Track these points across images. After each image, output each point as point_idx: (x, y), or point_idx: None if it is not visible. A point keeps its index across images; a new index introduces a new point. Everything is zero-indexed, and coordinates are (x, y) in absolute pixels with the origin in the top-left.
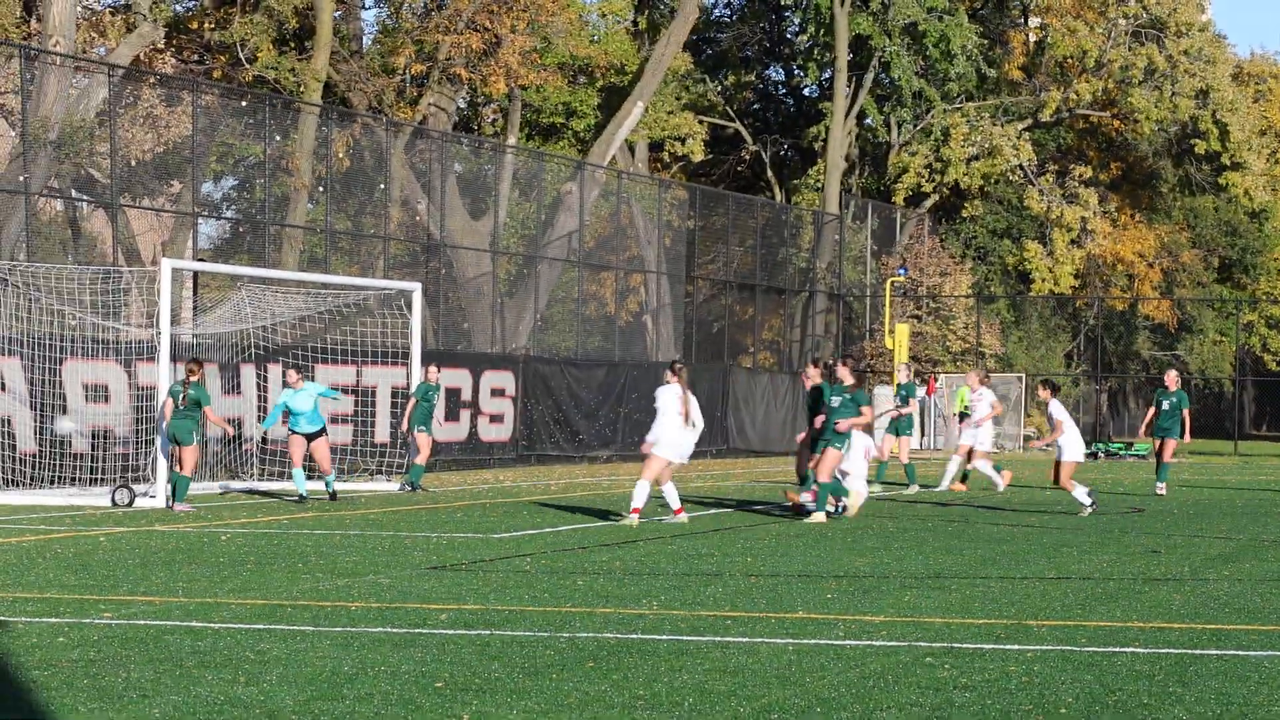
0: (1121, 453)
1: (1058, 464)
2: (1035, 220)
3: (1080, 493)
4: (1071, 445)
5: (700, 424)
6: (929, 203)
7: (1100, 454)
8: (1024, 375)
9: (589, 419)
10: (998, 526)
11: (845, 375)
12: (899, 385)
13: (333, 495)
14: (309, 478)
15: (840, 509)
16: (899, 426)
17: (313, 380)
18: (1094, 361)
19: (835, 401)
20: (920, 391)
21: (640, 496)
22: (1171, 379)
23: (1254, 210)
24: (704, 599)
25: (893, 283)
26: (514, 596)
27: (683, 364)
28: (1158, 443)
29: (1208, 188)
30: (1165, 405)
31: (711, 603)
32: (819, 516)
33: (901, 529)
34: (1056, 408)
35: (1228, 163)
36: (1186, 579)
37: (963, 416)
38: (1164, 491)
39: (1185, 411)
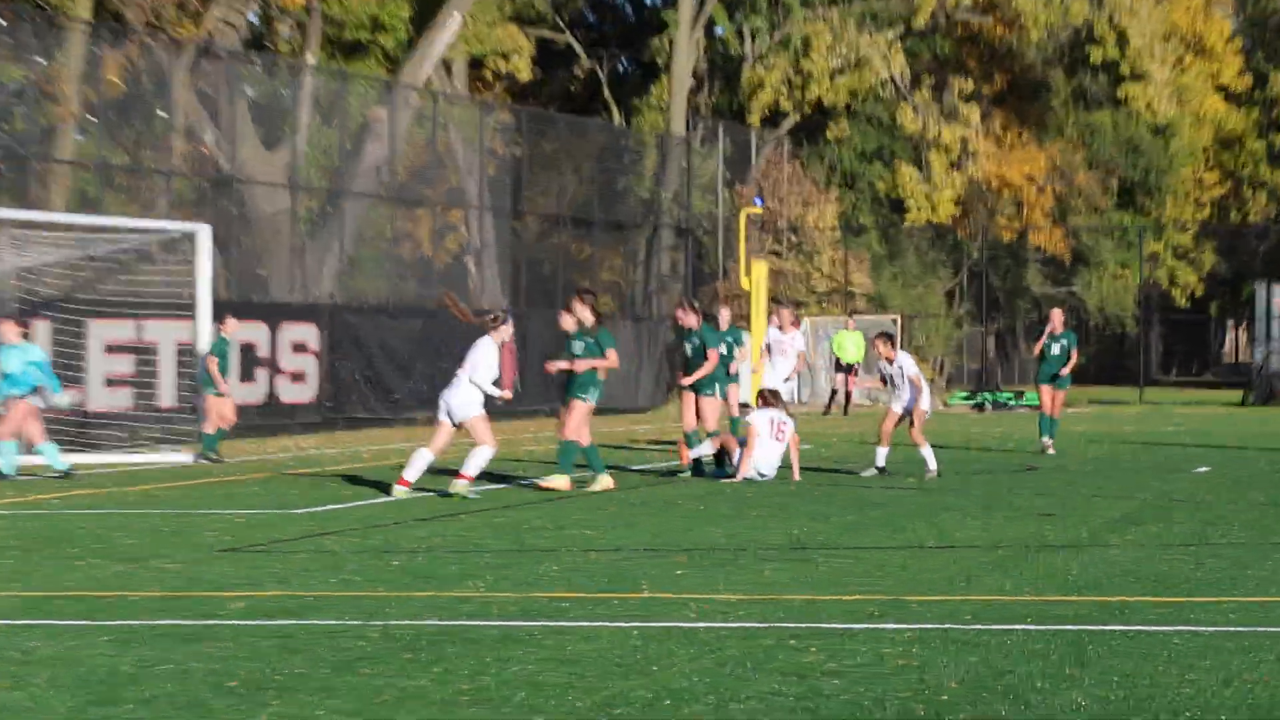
0: (1011, 403)
1: (906, 415)
2: (909, 141)
3: (929, 452)
4: (927, 395)
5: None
6: (788, 123)
7: (987, 405)
8: (899, 317)
9: (404, 376)
10: (869, 489)
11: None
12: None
13: (66, 474)
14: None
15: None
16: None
17: (34, 344)
18: (979, 300)
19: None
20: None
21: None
22: (1057, 318)
23: (1157, 125)
24: (537, 578)
25: (748, 214)
26: (319, 581)
27: (503, 315)
28: (1045, 393)
29: (1105, 101)
30: (1055, 350)
31: (545, 583)
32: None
33: (760, 494)
34: (909, 363)
35: (1127, 72)
36: (1084, 545)
37: (848, 367)
38: (1052, 449)
39: (1073, 352)
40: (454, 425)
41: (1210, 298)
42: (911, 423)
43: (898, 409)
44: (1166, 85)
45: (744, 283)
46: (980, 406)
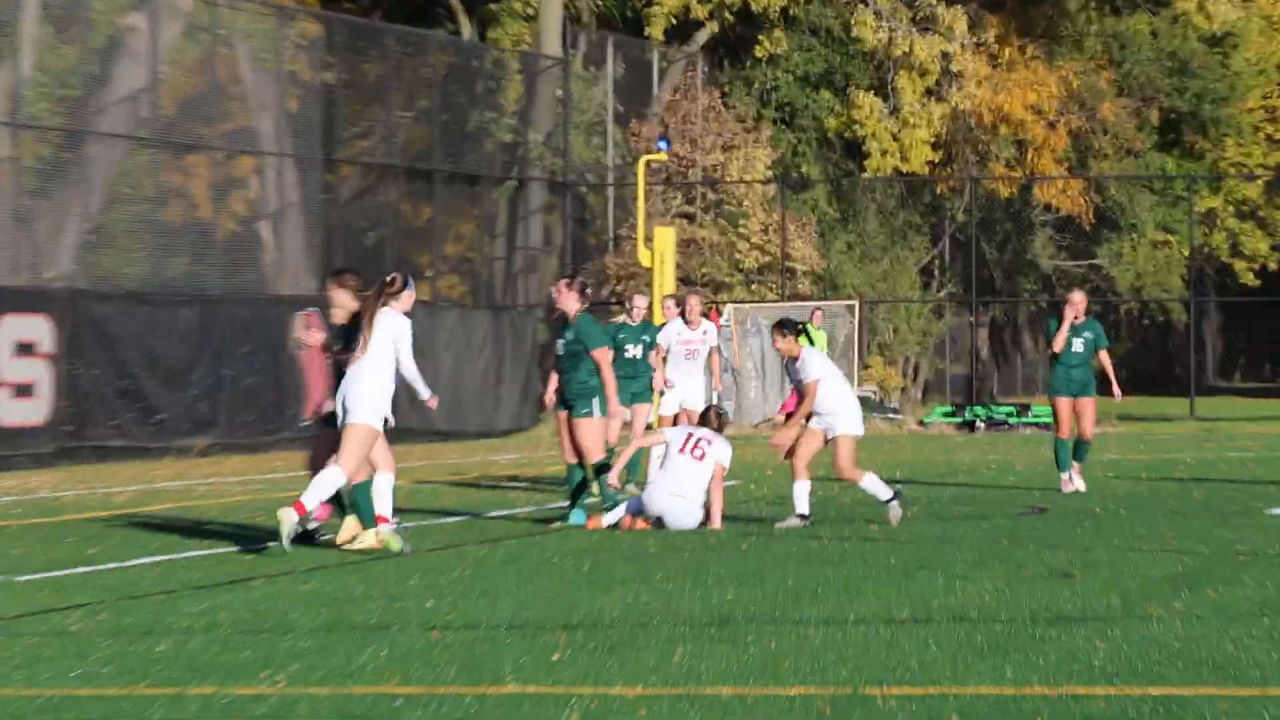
0: (1012, 421)
1: (826, 444)
2: (870, 60)
3: (874, 484)
4: (848, 415)
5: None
6: (703, 37)
7: (979, 424)
8: (858, 303)
9: (174, 388)
10: (820, 541)
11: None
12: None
13: None
14: None
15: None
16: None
17: None
18: (966, 280)
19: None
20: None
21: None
22: (1078, 302)
23: (1214, 33)
24: (359, 668)
25: (649, 163)
26: (55, 673)
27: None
28: (1064, 407)
29: (1141, 1)
30: (1077, 346)
31: (371, 673)
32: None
33: (669, 546)
34: (815, 361)
35: None
36: (1115, 617)
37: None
38: (1079, 485)
39: (1102, 354)
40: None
41: None
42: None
43: (818, 429)
44: None
45: (643, 256)
46: (970, 426)
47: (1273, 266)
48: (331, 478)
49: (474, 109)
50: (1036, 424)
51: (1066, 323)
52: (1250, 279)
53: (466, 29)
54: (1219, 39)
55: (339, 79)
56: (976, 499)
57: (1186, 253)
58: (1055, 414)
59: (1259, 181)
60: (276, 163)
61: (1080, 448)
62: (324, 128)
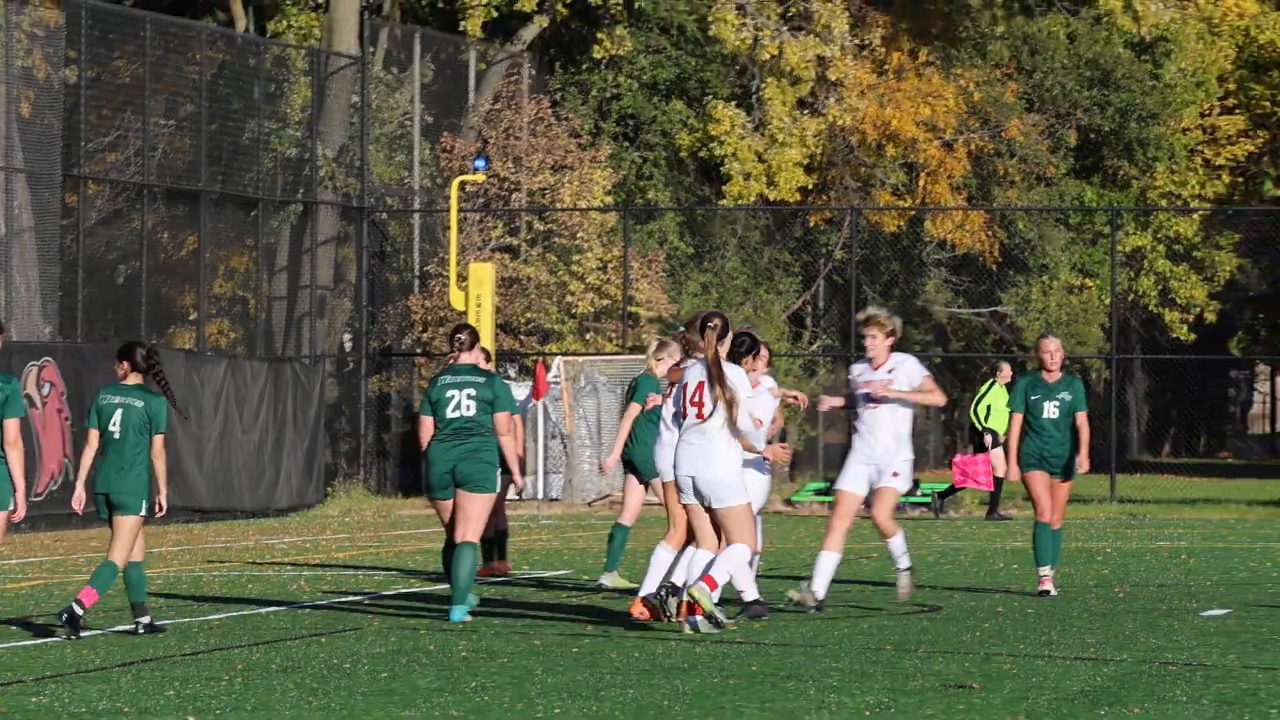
0: (904, 501)
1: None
2: (731, 65)
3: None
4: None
5: None
6: (531, 33)
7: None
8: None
9: None
10: (666, 643)
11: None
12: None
13: None
14: None
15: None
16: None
17: None
18: (845, 331)
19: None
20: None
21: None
22: (1051, 352)
23: (1143, 40)
24: None
25: (464, 186)
26: None
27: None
28: (1039, 483)
29: (1056, 1)
30: (1049, 409)
31: None
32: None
33: (483, 651)
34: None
35: None
36: None
37: (987, 437)
38: (1050, 587)
39: (1080, 418)
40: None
41: (1228, 327)
42: None
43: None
44: None
45: (455, 298)
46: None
47: (1210, 318)
48: (109, 570)
49: (250, 117)
50: (925, 504)
51: (1030, 378)
52: (1183, 332)
53: (241, 20)
54: (1149, 45)
55: (83, 78)
56: (855, 595)
57: (1108, 300)
58: (1030, 493)
59: (1195, 216)
60: (3, 180)
61: (1055, 540)
62: (64, 138)
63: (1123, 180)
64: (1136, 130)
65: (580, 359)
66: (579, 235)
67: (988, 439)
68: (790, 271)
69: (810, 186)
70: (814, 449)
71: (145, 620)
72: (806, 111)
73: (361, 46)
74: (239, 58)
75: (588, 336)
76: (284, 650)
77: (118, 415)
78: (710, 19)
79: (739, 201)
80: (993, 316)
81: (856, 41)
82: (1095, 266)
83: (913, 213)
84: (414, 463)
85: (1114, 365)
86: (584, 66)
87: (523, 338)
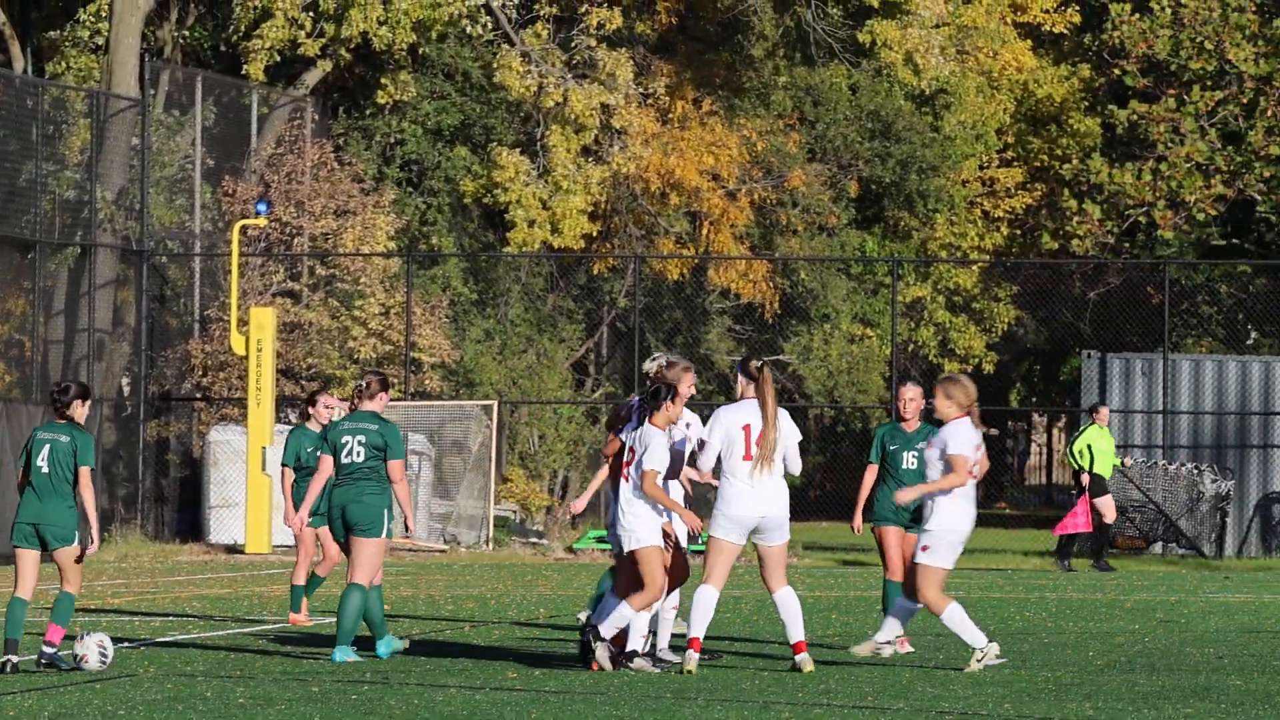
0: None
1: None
2: (516, 112)
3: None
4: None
5: None
6: (314, 77)
7: None
8: (496, 404)
9: None
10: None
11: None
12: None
13: None
14: None
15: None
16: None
17: None
18: (629, 379)
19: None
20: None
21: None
22: (907, 400)
23: (923, 93)
24: None
25: (245, 230)
26: None
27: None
28: (892, 538)
29: (838, 50)
30: (907, 459)
31: None
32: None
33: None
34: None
35: (875, 2)
36: None
37: (1092, 480)
38: (905, 642)
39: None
40: None
41: (1007, 377)
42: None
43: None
44: (940, 24)
45: (236, 342)
46: None
47: (988, 369)
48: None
49: (28, 158)
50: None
51: (888, 427)
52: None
53: (20, 60)
54: (929, 98)
55: None
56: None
57: (888, 350)
58: (881, 548)
59: (974, 268)
60: None
61: (913, 597)
62: None
63: (903, 231)
64: (917, 182)
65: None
66: (361, 280)
67: (1085, 479)
68: (574, 319)
69: (594, 234)
70: (596, 496)
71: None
72: (591, 159)
73: (142, 89)
74: (17, 99)
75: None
76: (57, 697)
77: None
78: (495, 66)
79: (523, 248)
80: (775, 365)
81: (641, 90)
82: (876, 316)
83: (696, 261)
84: (193, 508)
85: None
86: (368, 112)
87: (304, 383)
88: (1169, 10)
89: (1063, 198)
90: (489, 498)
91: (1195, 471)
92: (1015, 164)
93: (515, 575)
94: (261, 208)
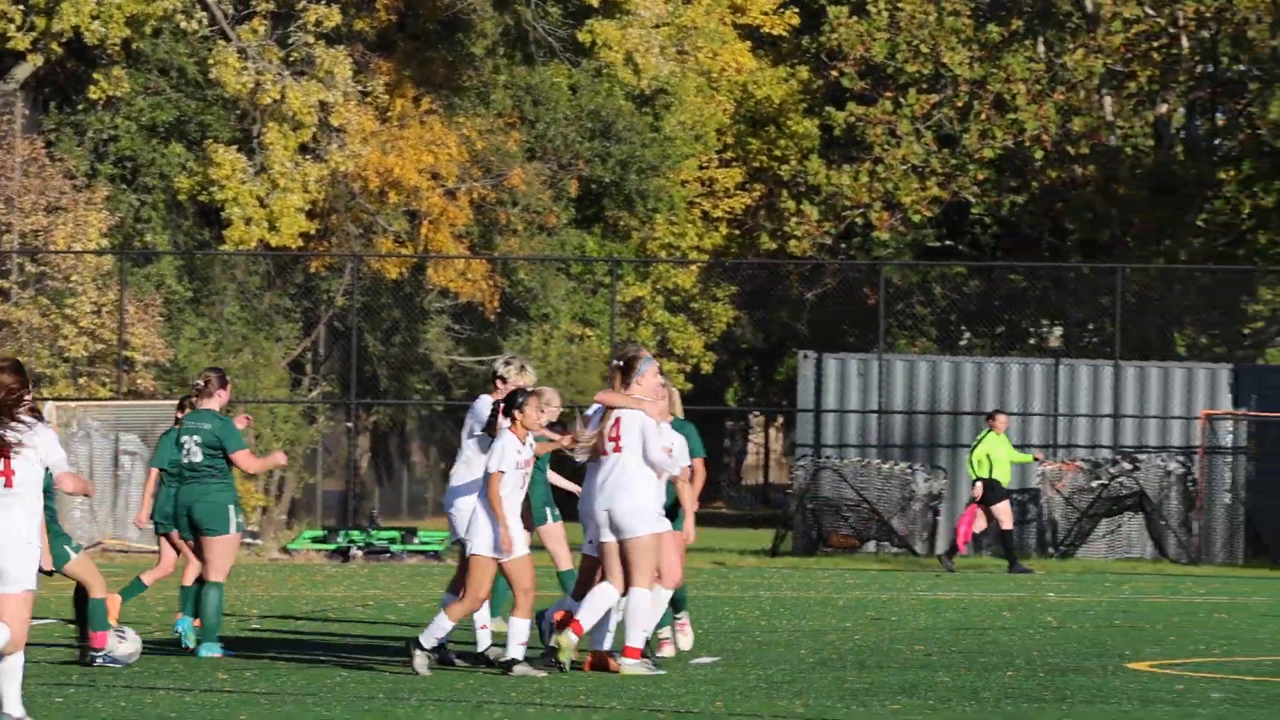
0: (395, 548)
1: None
2: (233, 109)
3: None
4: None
5: None
6: (25, 72)
7: (356, 550)
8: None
9: None
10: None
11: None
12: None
13: None
14: None
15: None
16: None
17: None
18: (346, 378)
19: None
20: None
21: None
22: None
23: (643, 93)
24: None
25: None
26: None
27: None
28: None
29: (558, 50)
30: None
31: None
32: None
33: None
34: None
35: (595, 2)
36: None
37: (986, 487)
38: (684, 642)
39: (697, 464)
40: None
41: (725, 377)
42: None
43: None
44: (660, 25)
45: None
46: (344, 554)
47: (706, 369)
48: None
49: None
50: (424, 552)
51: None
52: (680, 382)
53: None
54: (649, 98)
55: None
56: (348, 640)
57: (607, 349)
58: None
59: (693, 268)
60: None
61: (679, 597)
62: None
63: (623, 231)
64: (637, 182)
65: (73, 404)
66: (73, 278)
67: (978, 489)
68: (291, 318)
69: (312, 232)
70: (312, 496)
71: None
72: (309, 157)
73: None
74: None
75: (81, 381)
76: None
77: None
78: (211, 62)
79: (239, 246)
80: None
81: (360, 88)
82: (596, 316)
83: (415, 260)
84: None
85: None
86: (80, 107)
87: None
88: (886, 14)
89: (781, 198)
90: None
91: (909, 471)
92: (734, 164)
93: (230, 575)
94: None
